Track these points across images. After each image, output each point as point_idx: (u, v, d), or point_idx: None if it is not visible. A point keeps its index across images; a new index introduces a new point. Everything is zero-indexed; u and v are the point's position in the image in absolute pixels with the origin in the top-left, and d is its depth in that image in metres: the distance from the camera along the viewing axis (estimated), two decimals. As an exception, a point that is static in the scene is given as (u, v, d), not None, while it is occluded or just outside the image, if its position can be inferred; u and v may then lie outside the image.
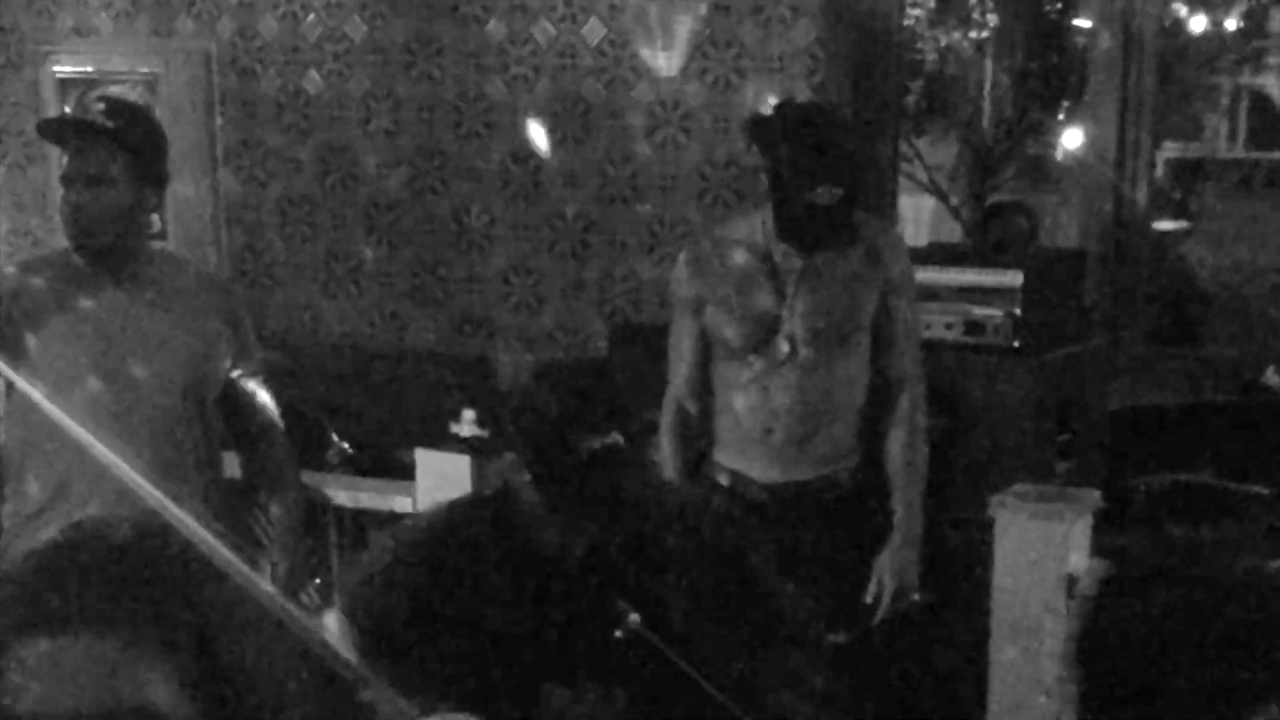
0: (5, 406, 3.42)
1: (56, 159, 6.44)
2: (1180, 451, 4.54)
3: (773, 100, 4.63)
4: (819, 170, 3.52)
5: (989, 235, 6.37)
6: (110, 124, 3.30)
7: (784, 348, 3.69)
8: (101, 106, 3.34)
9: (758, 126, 3.71)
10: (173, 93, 6.10)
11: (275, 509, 3.47)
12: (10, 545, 3.36)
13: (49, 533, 3.28)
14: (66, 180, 3.29)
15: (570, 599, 2.61)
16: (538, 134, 5.53)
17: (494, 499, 2.71)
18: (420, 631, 2.62)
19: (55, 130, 3.51)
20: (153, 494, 2.54)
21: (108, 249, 3.32)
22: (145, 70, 6.20)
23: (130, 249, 3.35)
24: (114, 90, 5.78)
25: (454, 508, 2.77)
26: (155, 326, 3.35)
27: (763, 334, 3.70)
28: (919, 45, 9.74)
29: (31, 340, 3.27)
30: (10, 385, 3.28)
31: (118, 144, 3.29)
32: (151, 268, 3.41)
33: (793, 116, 3.64)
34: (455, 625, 2.62)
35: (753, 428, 3.75)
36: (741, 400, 3.76)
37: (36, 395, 2.87)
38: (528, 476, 2.54)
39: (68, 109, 6.37)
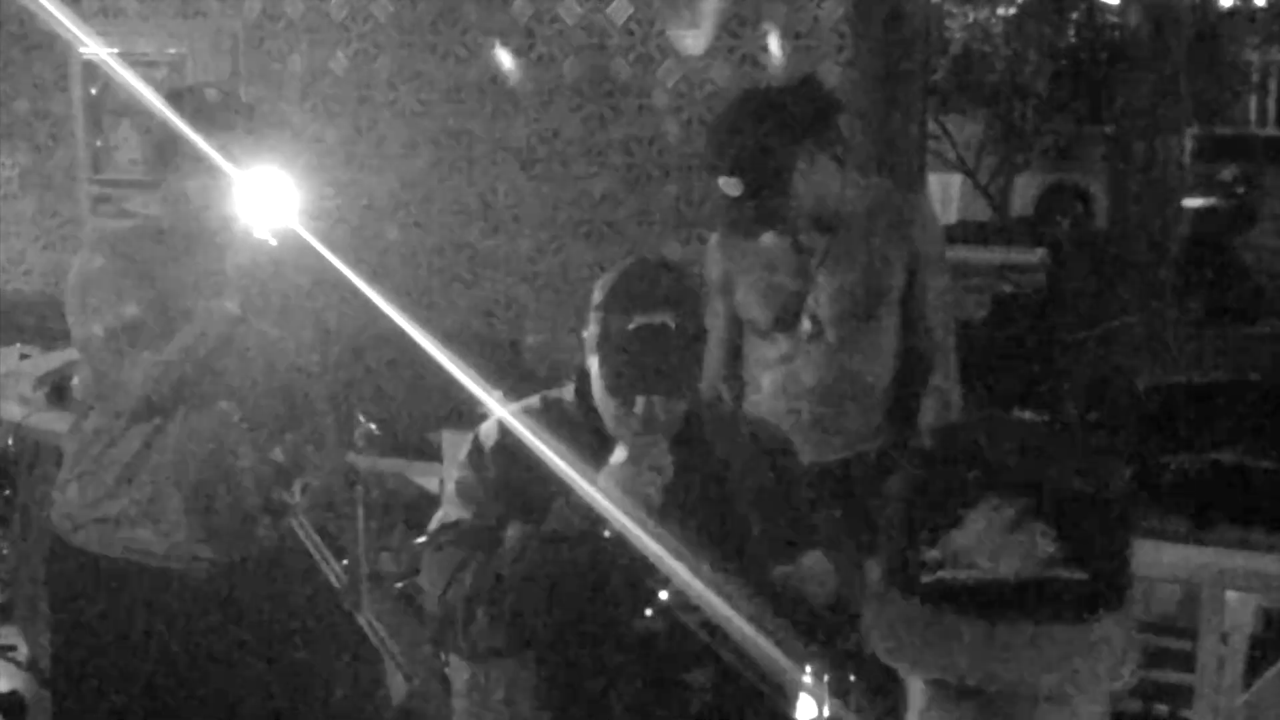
0: (87, 392, 3.46)
1: (83, 142, 6.47)
2: (1214, 430, 4.50)
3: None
4: (715, 161, 3.52)
5: (1042, 218, 6.33)
6: (242, 110, 3.43)
7: (807, 326, 3.66)
8: (220, 97, 3.41)
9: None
10: (199, 73, 6.10)
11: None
12: (86, 524, 3.42)
13: (120, 504, 3.35)
14: (201, 163, 3.29)
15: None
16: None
17: None
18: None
19: (208, 115, 3.49)
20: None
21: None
22: (172, 51, 6.20)
23: None
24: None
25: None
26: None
27: (787, 313, 3.68)
28: (947, 22, 9.69)
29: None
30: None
31: (252, 128, 3.37)
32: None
33: (723, 109, 3.69)
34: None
35: (779, 408, 3.72)
36: (768, 380, 3.75)
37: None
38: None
39: (93, 90, 6.39)
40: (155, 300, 3.26)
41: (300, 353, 3.57)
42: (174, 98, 3.38)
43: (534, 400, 2.80)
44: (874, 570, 1.52)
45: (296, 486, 3.39)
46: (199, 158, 3.21)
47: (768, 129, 3.49)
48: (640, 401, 2.60)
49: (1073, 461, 1.45)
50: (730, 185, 3.47)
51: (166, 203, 3.36)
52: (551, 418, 2.73)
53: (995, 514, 1.41)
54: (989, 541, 1.41)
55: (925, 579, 1.43)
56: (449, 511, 2.73)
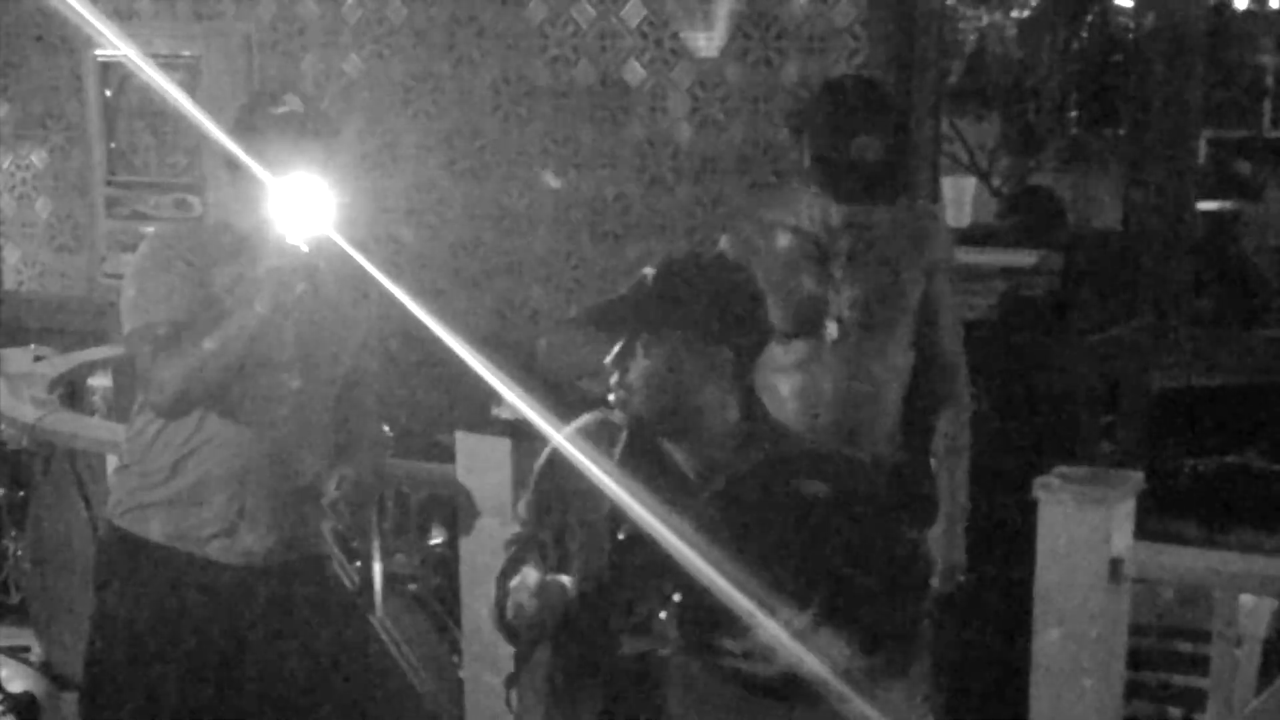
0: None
1: (98, 144, 6.49)
2: (1226, 433, 4.51)
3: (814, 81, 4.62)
4: (857, 122, 3.52)
5: (1021, 217, 6.34)
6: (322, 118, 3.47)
7: (833, 331, 3.66)
8: (302, 104, 3.44)
9: (804, 103, 3.72)
10: (213, 76, 6.12)
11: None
12: (132, 510, 3.45)
13: (166, 490, 3.40)
14: (252, 168, 3.31)
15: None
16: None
17: None
18: None
19: (297, 125, 3.49)
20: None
21: None
22: (186, 53, 6.21)
23: None
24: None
25: None
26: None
27: (808, 318, 3.68)
28: (960, 24, 9.68)
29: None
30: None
31: (330, 136, 3.43)
32: None
33: (834, 83, 3.70)
34: None
35: (798, 413, 3.72)
36: (786, 385, 3.74)
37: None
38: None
39: (108, 92, 6.41)
40: (202, 301, 3.29)
41: (332, 358, 3.60)
42: (253, 102, 3.43)
43: (589, 420, 2.78)
44: None
45: (332, 481, 3.42)
46: (251, 163, 3.24)
47: (894, 104, 3.61)
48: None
49: None
50: (869, 147, 3.54)
51: (211, 205, 3.40)
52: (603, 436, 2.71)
53: None
54: None
55: None
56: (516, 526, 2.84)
